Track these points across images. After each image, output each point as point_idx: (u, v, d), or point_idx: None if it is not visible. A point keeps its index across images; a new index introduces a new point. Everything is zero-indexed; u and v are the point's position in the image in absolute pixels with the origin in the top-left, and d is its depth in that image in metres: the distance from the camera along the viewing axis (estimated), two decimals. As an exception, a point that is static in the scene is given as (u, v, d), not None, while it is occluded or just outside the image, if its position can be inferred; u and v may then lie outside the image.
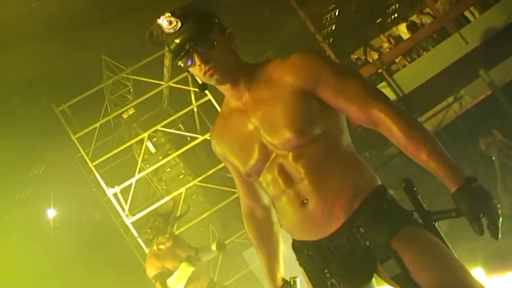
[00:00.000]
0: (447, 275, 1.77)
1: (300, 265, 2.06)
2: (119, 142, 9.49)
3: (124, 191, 8.12)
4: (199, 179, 8.52)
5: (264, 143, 1.93)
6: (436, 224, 1.88)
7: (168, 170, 10.07)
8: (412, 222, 1.88)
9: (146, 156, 9.37)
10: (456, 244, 1.89)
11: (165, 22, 1.87)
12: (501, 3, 11.48)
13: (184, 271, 4.76)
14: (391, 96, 11.00)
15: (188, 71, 1.97)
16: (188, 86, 8.56)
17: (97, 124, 8.37)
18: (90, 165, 8.11)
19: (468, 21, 12.01)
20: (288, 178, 1.92)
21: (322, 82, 1.88)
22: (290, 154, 1.89)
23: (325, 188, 1.88)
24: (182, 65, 1.92)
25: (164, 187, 9.92)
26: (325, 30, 14.36)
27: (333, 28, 14.75)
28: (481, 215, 1.67)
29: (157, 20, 1.89)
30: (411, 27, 12.92)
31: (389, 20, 15.59)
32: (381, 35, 13.97)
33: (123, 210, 8.02)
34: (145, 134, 8.50)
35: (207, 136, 7.91)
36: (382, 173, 2.00)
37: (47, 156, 9.62)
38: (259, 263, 2.30)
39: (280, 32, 12.50)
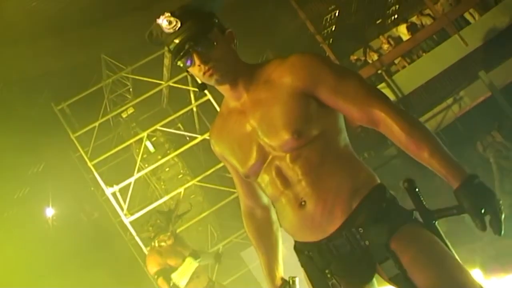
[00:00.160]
0: (444, 276, 1.77)
1: (302, 266, 2.06)
2: (118, 141, 9.48)
3: (123, 190, 8.12)
4: (198, 178, 8.52)
5: (262, 145, 1.94)
6: (436, 223, 1.87)
7: (167, 169, 10.06)
8: (411, 220, 1.88)
9: (145, 156, 9.36)
10: (454, 245, 1.89)
11: (165, 22, 1.87)
12: (501, 5, 11.48)
13: (188, 266, 4.77)
14: (391, 97, 10.94)
15: (187, 71, 1.97)
16: (188, 86, 8.55)
17: (96, 123, 8.37)
18: (89, 164, 8.10)
19: (468, 23, 12.02)
20: (285, 180, 1.92)
21: (322, 82, 1.88)
22: (288, 155, 1.89)
23: (323, 189, 1.88)
24: (181, 65, 1.92)
25: (163, 186, 9.91)
26: (325, 31, 14.35)
27: (333, 28, 14.75)
28: (484, 211, 1.67)
29: (157, 20, 1.89)
30: (411, 28, 12.93)
31: (389, 21, 15.59)
32: (380, 36, 13.97)
33: (122, 209, 8.01)
34: (144, 134, 8.50)
35: (206, 136, 7.91)
36: (381, 174, 1.99)
37: (46, 154, 9.61)
38: (257, 263, 2.30)
39: (280, 33, 12.51)
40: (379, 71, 12.13)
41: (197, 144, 8.70)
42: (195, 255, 4.87)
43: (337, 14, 14.23)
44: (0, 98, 7.92)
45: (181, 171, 10.10)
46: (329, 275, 1.96)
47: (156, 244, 4.95)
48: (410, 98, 11.35)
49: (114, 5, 8.04)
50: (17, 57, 7.57)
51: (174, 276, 4.71)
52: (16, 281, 7.98)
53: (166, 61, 8.73)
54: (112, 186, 8.07)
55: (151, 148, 9.95)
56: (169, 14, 1.87)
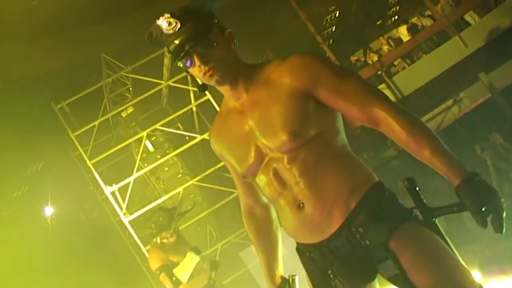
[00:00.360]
0: (444, 276, 1.77)
1: (304, 267, 2.06)
2: (118, 141, 9.48)
3: (122, 190, 8.12)
4: (197, 178, 8.52)
5: (259, 145, 1.94)
6: (436, 221, 1.87)
7: (166, 169, 10.05)
8: (411, 219, 1.87)
9: (144, 155, 9.36)
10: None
11: (164, 23, 1.87)
12: (502, 6, 11.49)
13: (190, 260, 4.78)
14: (390, 98, 10.99)
15: (187, 72, 1.97)
16: (188, 85, 8.55)
17: (96, 122, 8.37)
18: (88, 163, 8.10)
19: (468, 24, 12.02)
20: (282, 181, 1.92)
21: (321, 83, 1.88)
22: (285, 157, 1.89)
23: (321, 190, 1.88)
24: (181, 65, 1.92)
25: (162, 186, 9.91)
26: (325, 31, 14.36)
27: (333, 29, 14.75)
28: (485, 209, 1.66)
29: (156, 21, 1.89)
30: (412, 29, 12.94)
31: (390, 22, 15.60)
32: (380, 37, 13.97)
33: (121, 208, 8.01)
34: (144, 133, 8.50)
35: (205, 136, 7.91)
36: (380, 175, 1.99)
37: (45, 153, 9.61)
38: (256, 263, 2.31)
39: (280, 33, 12.51)
40: (379, 72, 12.13)
41: (196, 144, 8.70)
42: (196, 250, 4.88)
43: (337, 14, 14.24)
44: (0, 96, 7.90)
45: (180, 170, 10.10)
46: (331, 276, 1.96)
47: (159, 241, 4.95)
48: (410, 99, 11.35)
49: (114, 4, 8.03)
50: (17, 55, 7.56)
51: (176, 271, 4.72)
52: (15, 280, 7.97)
53: (166, 61, 8.73)
54: (111, 185, 8.07)
55: (151, 148, 9.95)
56: (169, 15, 1.87)
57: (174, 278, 4.73)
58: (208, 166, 8.38)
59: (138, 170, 8.35)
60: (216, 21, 1.94)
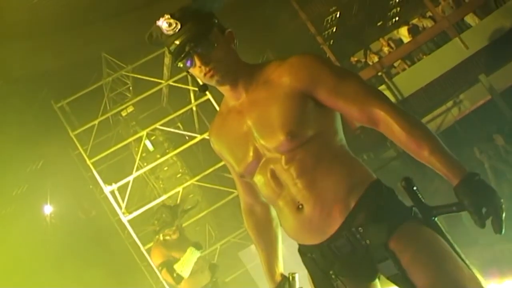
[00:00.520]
0: (444, 276, 1.77)
1: (306, 267, 2.06)
2: (118, 140, 9.48)
3: (121, 189, 8.11)
4: (197, 178, 8.51)
5: (256, 146, 1.94)
6: (436, 219, 1.87)
7: (165, 168, 10.05)
8: (411, 218, 1.87)
9: (144, 154, 9.35)
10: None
11: (165, 24, 1.87)
12: (502, 8, 11.50)
13: (190, 256, 4.78)
14: (390, 99, 10.99)
15: (188, 72, 1.97)
16: (188, 85, 8.55)
17: (96, 122, 8.36)
18: (88, 162, 8.10)
19: (469, 26, 12.02)
20: (280, 182, 1.92)
21: (321, 83, 1.88)
22: (283, 157, 1.89)
23: (319, 191, 1.88)
24: (182, 66, 1.92)
25: (162, 185, 9.91)
26: (326, 32, 14.37)
27: (334, 30, 14.76)
28: (484, 209, 1.66)
29: (156, 22, 1.89)
30: (412, 31, 12.94)
31: (390, 23, 15.61)
32: (380, 39, 13.98)
33: (120, 208, 8.01)
34: (144, 132, 8.49)
35: (205, 136, 7.91)
36: (380, 176, 1.99)
37: (45, 152, 9.62)
38: (254, 263, 2.31)
39: (280, 33, 12.51)
40: (379, 73, 12.14)
41: (196, 143, 8.70)
42: (197, 246, 4.88)
43: (338, 15, 14.24)
44: (0, 94, 7.90)
45: (180, 170, 10.09)
46: (333, 276, 1.96)
47: (161, 238, 4.96)
48: (410, 101, 11.36)
49: (115, 3, 8.04)
50: (17, 54, 7.56)
51: (177, 266, 4.72)
52: (14, 278, 7.97)
53: (167, 60, 8.73)
54: (110, 184, 8.07)
55: (150, 147, 9.95)
56: (169, 16, 1.87)
57: (175, 274, 4.73)
58: (208, 165, 8.37)
59: (137, 169, 8.35)
60: (216, 21, 1.94)
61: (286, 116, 1.87)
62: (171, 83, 8.66)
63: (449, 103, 11.48)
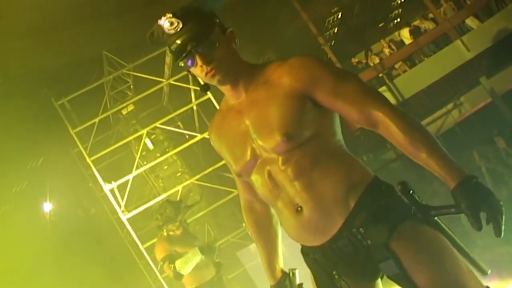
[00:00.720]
0: (444, 276, 1.78)
1: (309, 268, 2.06)
2: (118, 138, 9.49)
3: (121, 187, 8.12)
4: (196, 177, 8.52)
5: (254, 146, 1.94)
6: (436, 218, 1.86)
7: (165, 167, 10.06)
8: (411, 216, 1.86)
9: (144, 153, 9.36)
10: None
11: (166, 23, 1.87)
12: (504, 11, 11.50)
13: (192, 256, 4.78)
14: (391, 101, 10.97)
15: (189, 71, 1.97)
16: (189, 84, 8.55)
17: (96, 120, 8.36)
18: (88, 160, 8.10)
19: (471, 28, 12.03)
20: (277, 184, 1.92)
21: (321, 84, 1.87)
22: (280, 158, 1.89)
23: (318, 193, 1.87)
24: (183, 65, 1.92)
25: (161, 184, 9.91)
26: (327, 33, 14.37)
27: (335, 30, 14.76)
28: (481, 212, 1.65)
29: (158, 21, 1.89)
30: (414, 32, 12.94)
31: (392, 25, 15.61)
32: (381, 40, 13.98)
33: (119, 206, 8.01)
34: (144, 131, 8.50)
35: (205, 135, 7.91)
36: (379, 177, 1.99)
37: (45, 149, 9.61)
38: (253, 263, 2.32)
39: (282, 33, 12.51)
40: (380, 75, 12.14)
41: (196, 142, 8.70)
42: (203, 250, 4.88)
43: (339, 16, 14.24)
44: (1, 92, 7.90)
45: (180, 169, 10.10)
46: (336, 276, 1.96)
47: (165, 233, 4.97)
48: (410, 102, 11.36)
49: (116, 1, 8.03)
50: (18, 52, 7.56)
51: (178, 263, 4.73)
52: (12, 276, 7.97)
53: (168, 59, 8.73)
54: (110, 182, 8.07)
55: (150, 146, 9.96)
56: (171, 15, 1.87)
57: (174, 269, 4.73)
58: (208, 165, 8.38)
59: (137, 168, 8.35)
60: (217, 20, 1.94)
61: (284, 117, 1.87)
62: (172, 82, 8.66)
63: (450, 105, 11.49)
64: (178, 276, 4.77)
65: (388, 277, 1.86)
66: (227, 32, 1.95)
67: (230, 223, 9.49)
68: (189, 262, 4.77)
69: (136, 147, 9.12)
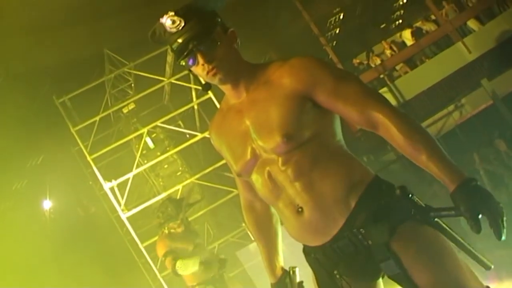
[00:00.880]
0: (445, 276, 1.78)
1: (310, 267, 2.07)
2: (118, 137, 9.49)
3: (121, 186, 8.12)
4: (196, 176, 8.52)
5: (253, 146, 1.94)
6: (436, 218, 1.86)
7: (165, 166, 10.06)
8: (411, 216, 1.86)
9: (144, 152, 9.36)
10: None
11: (168, 21, 1.87)
12: (506, 13, 11.49)
13: (192, 265, 4.81)
14: (392, 102, 10.98)
15: (190, 71, 1.97)
16: (190, 83, 8.56)
17: (97, 118, 8.37)
18: (88, 158, 8.11)
19: (472, 30, 12.02)
20: (277, 184, 1.92)
21: (321, 85, 1.87)
22: (279, 159, 1.89)
23: (318, 193, 1.87)
24: (184, 64, 1.92)
25: (161, 183, 9.91)
26: (329, 33, 14.37)
27: (337, 31, 14.76)
28: (481, 215, 1.65)
29: (160, 19, 1.89)
30: (416, 34, 12.94)
31: (393, 26, 15.61)
32: (383, 41, 13.98)
33: (119, 204, 8.02)
34: (144, 130, 8.50)
35: (206, 134, 7.91)
36: (379, 178, 1.98)
37: (46, 147, 9.62)
38: (252, 263, 2.32)
39: (283, 33, 12.51)
40: (381, 76, 12.13)
41: (196, 142, 8.71)
42: (204, 262, 4.91)
43: (341, 17, 14.24)
44: (2, 89, 7.90)
45: (180, 168, 10.10)
46: (338, 276, 1.97)
47: (166, 231, 4.98)
48: (411, 104, 11.36)
49: (119, 0, 8.03)
50: (20, 49, 7.56)
51: (178, 263, 4.75)
52: (12, 273, 7.97)
53: (169, 58, 8.74)
54: (110, 181, 8.08)
55: (151, 145, 9.96)
56: (173, 13, 1.87)
57: (174, 265, 4.75)
58: (208, 164, 8.38)
59: (137, 166, 8.36)
60: (219, 20, 1.94)
61: (284, 117, 1.87)
62: (173, 81, 8.67)
63: (451, 107, 11.49)
64: (176, 274, 4.80)
65: (389, 277, 1.87)
66: (228, 32, 1.95)
67: (229, 223, 9.48)
68: (188, 268, 4.81)
69: (137, 146, 9.12)
